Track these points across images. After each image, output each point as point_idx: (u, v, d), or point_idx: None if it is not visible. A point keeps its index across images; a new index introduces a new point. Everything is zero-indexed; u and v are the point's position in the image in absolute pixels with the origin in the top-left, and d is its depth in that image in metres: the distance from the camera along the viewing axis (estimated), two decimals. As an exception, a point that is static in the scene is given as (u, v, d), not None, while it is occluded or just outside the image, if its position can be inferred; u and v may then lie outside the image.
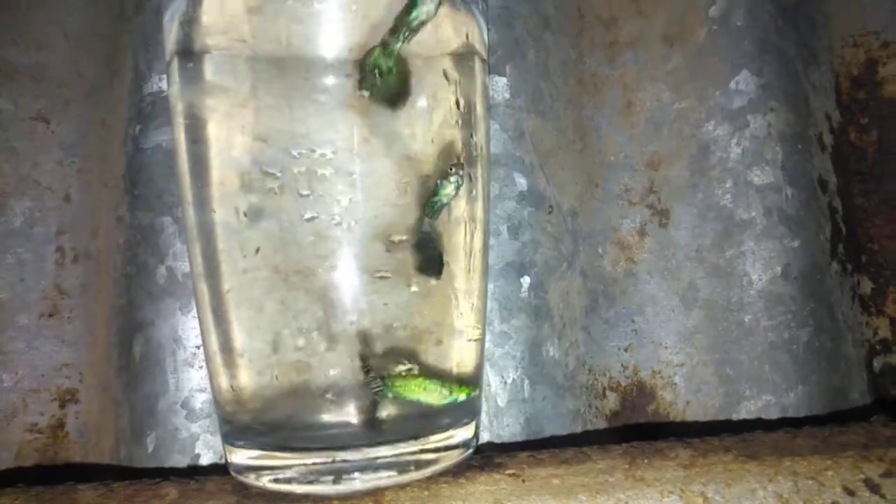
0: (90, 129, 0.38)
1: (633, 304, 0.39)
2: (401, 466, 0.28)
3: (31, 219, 0.37)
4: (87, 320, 0.37)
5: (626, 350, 0.39)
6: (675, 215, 0.39)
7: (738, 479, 0.28)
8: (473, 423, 0.30)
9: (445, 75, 0.29)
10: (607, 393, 0.38)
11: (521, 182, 0.36)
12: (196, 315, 0.34)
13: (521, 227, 0.36)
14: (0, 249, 0.37)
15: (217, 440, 0.33)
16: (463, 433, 0.29)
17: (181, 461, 0.33)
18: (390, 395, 0.27)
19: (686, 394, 0.38)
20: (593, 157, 0.40)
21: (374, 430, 0.28)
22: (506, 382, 0.35)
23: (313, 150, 0.28)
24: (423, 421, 0.29)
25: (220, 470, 0.30)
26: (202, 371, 0.34)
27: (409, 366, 0.28)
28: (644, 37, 0.41)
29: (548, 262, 0.36)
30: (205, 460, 0.33)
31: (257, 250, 0.29)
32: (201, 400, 0.34)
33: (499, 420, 0.34)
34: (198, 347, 0.34)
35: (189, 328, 0.34)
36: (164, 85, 0.35)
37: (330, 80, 0.28)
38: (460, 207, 0.30)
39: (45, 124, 0.38)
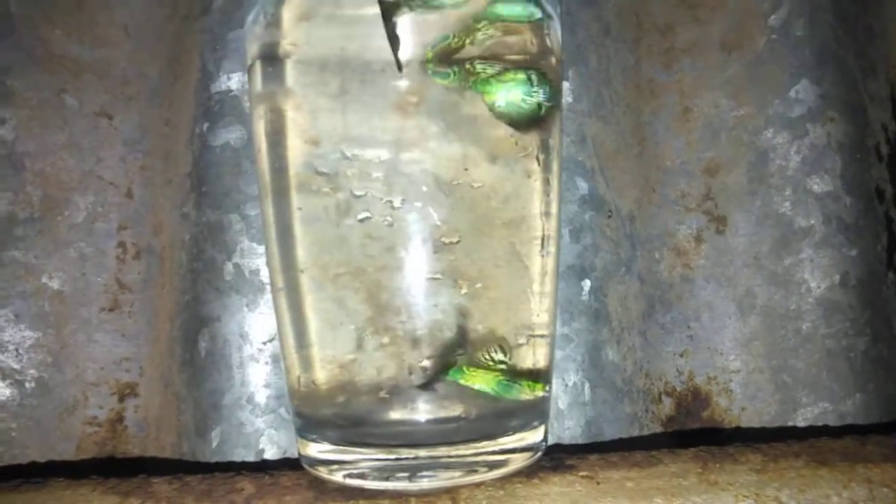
0: (153, 127, 0.39)
1: (689, 310, 0.39)
2: (474, 466, 0.28)
3: (94, 214, 0.38)
4: (147, 315, 0.38)
5: (681, 356, 0.39)
6: (732, 222, 0.39)
7: (811, 485, 0.28)
8: (543, 426, 0.30)
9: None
10: (663, 398, 0.38)
11: (583, 186, 0.36)
12: (262, 312, 0.35)
13: (582, 230, 0.36)
14: (62, 244, 0.37)
15: (282, 435, 0.34)
16: (533, 435, 0.29)
17: (246, 456, 0.33)
18: (463, 381, 0.28)
19: (742, 400, 0.38)
20: (650, 163, 0.40)
21: (446, 424, 0.28)
22: (567, 385, 0.35)
23: (366, 152, 0.28)
24: (495, 422, 0.29)
25: (290, 464, 0.30)
26: (268, 367, 0.34)
27: (500, 356, 0.28)
28: (701, 44, 0.41)
29: (607, 267, 0.37)
30: (269, 455, 0.33)
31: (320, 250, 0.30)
32: (266, 395, 0.34)
33: (560, 422, 0.35)
34: (264, 343, 0.34)
35: (255, 324, 0.34)
36: (231, 84, 0.35)
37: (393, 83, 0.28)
38: (535, 201, 0.30)
39: (108, 120, 0.39)
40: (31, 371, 0.36)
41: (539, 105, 0.30)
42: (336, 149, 0.29)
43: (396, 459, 0.27)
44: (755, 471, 0.28)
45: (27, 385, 0.36)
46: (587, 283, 0.36)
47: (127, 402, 0.37)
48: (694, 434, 0.38)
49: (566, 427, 0.34)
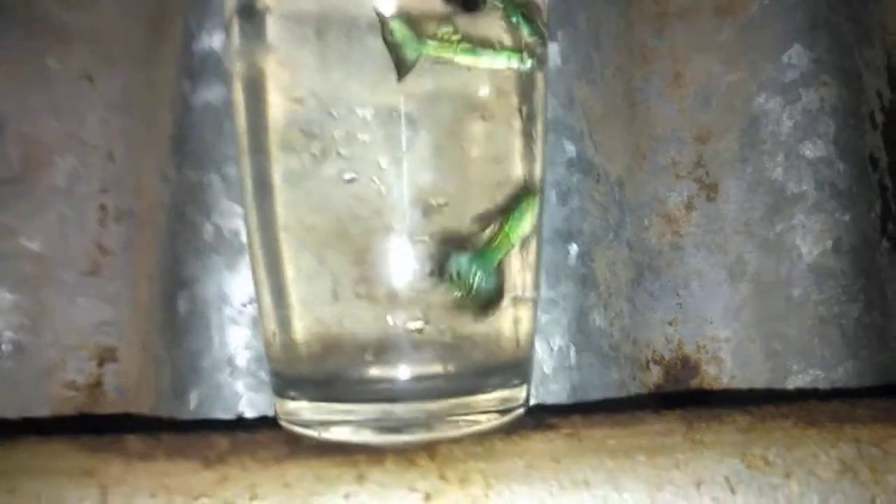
0: (135, 89, 0.38)
1: (678, 278, 0.39)
2: (453, 422, 0.27)
3: (75, 176, 0.37)
4: (128, 279, 0.37)
5: (670, 324, 0.39)
6: (723, 189, 0.39)
7: (799, 444, 0.27)
8: (525, 385, 0.30)
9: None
10: (651, 366, 0.38)
11: (570, 149, 0.36)
12: (242, 273, 0.34)
13: (569, 193, 0.35)
14: (42, 206, 0.37)
15: (261, 398, 0.33)
16: (515, 393, 0.29)
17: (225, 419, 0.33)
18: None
19: (732, 368, 0.38)
20: (641, 129, 0.39)
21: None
22: (552, 349, 0.34)
23: (352, 112, 0.28)
24: (475, 379, 0.28)
25: (267, 423, 0.30)
26: (248, 329, 0.33)
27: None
28: (694, 9, 0.40)
29: (595, 232, 0.36)
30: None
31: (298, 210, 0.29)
32: (246, 358, 0.33)
33: (545, 387, 0.34)
34: (244, 305, 0.34)
35: (235, 286, 0.34)
36: (214, 43, 0.35)
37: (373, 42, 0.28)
38: (522, 163, 0.29)
39: (90, 82, 0.38)
40: (9, 333, 0.35)
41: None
42: (321, 108, 0.28)
43: (374, 415, 0.27)
44: (741, 431, 0.28)
45: (4, 347, 0.35)
46: (574, 248, 0.35)
47: (106, 367, 0.37)
48: (681, 397, 0.37)
49: (551, 391, 0.34)
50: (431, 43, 0.27)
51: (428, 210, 0.28)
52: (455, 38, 0.28)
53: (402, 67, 0.27)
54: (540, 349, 0.34)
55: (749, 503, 0.26)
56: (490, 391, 0.28)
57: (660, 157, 0.39)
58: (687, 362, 0.38)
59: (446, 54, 0.28)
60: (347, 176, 0.28)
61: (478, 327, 0.29)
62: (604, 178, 0.37)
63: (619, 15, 0.40)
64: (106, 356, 0.37)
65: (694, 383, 0.38)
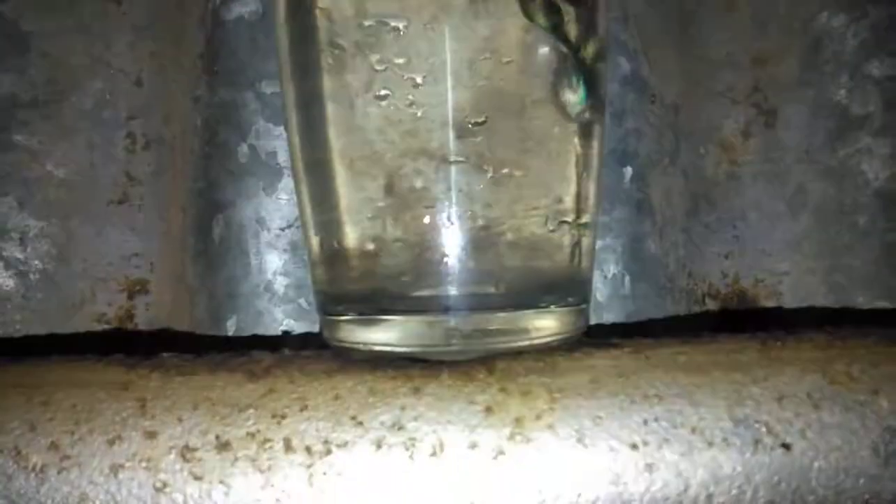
0: (164, 11, 0.36)
1: (735, 209, 0.37)
2: (511, 334, 0.25)
3: (102, 102, 0.36)
4: (158, 209, 0.36)
5: (726, 257, 0.37)
6: (782, 114, 0.37)
7: (885, 361, 0.25)
8: (584, 305, 0.28)
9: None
10: (707, 300, 0.36)
11: (625, 66, 0.34)
12: (279, 197, 0.32)
13: (624, 113, 0.33)
14: (69, 131, 0.35)
15: (303, 325, 0.31)
16: (574, 311, 0.27)
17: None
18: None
19: (791, 303, 0.36)
20: (695, 53, 0.37)
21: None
22: (606, 277, 0.33)
23: (385, 23, 0.26)
24: (532, 295, 0.27)
25: (313, 342, 0.28)
26: (286, 254, 0.32)
27: None
28: (750, -74, 0.38)
29: (650, 155, 0.34)
30: (289, 349, 0.31)
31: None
32: (284, 284, 0.32)
33: (598, 315, 0.32)
34: (281, 230, 0.32)
35: (272, 209, 0.32)
36: (246, -46, 0.33)
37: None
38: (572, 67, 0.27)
39: (116, 5, 0.36)
40: (36, 262, 0.34)
41: None
42: (353, 18, 0.27)
43: (426, 327, 0.25)
44: (820, 348, 0.26)
45: (31, 276, 0.34)
46: (629, 171, 0.33)
47: (137, 300, 0.35)
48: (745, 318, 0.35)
49: (605, 320, 0.32)
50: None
51: (465, 130, 0.26)
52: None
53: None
54: (594, 276, 0.32)
55: (834, 420, 0.24)
56: (546, 308, 0.27)
57: (715, 82, 0.37)
58: (744, 297, 0.36)
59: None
60: (382, 93, 0.26)
61: (532, 244, 0.27)
62: (658, 100, 0.35)
63: (673, -71, 0.37)
64: (136, 288, 0.35)
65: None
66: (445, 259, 0.26)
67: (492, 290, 0.26)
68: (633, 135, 0.34)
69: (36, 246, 0.34)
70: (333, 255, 0.27)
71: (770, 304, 0.36)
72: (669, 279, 0.34)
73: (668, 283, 0.34)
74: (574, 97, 0.27)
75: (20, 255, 0.34)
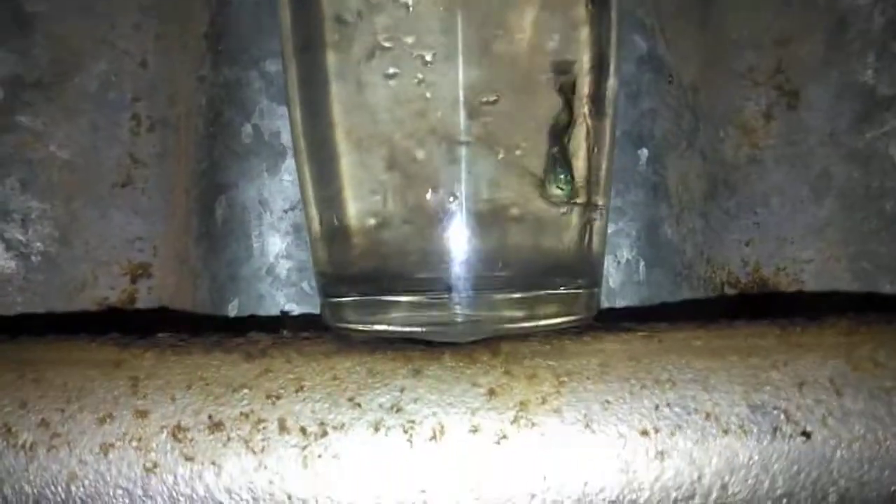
0: (170, -10, 0.36)
1: (756, 194, 0.35)
2: (517, 316, 0.24)
3: (107, 83, 0.35)
4: (163, 192, 0.35)
5: (747, 244, 0.35)
6: (806, 96, 0.35)
7: (913, 347, 0.24)
8: (595, 288, 0.27)
9: None
10: (726, 288, 0.35)
11: (641, 45, 0.32)
12: (283, 178, 0.32)
13: (639, 94, 0.32)
14: (73, 112, 0.34)
15: (304, 309, 0.31)
16: (584, 293, 0.26)
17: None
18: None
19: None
20: (715, 32, 0.36)
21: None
22: (619, 262, 0.31)
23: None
24: (540, 277, 0.26)
25: (312, 324, 0.27)
26: (289, 237, 0.31)
27: None
28: None
29: (667, 137, 0.33)
30: (290, 331, 0.30)
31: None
32: (287, 267, 0.31)
33: (611, 302, 0.31)
34: (285, 211, 0.31)
35: (276, 191, 0.31)
36: (251, -69, 0.32)
37: None
38: (587, 55, 0.26)
39: (122, -16, 0.36)
40: (38, 244, 0.33)
41: None
42: None
43: (430, 308, 0.24)
44: (843, 333, 0.25)
45: (33, 258, 0.33)
46: (644, 153, 0.32)
47: (140, 283, 0.34)
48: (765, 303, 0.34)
49: (618, 306, 0.31)
50: None
51: (475, 109, 0.25)
52: None
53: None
54: (607, 261, 0.31)
55: (858, 407, 0.22)
56: (556, 288, 0.25)
57: (736, 62, 0.36)
58: (765, 286, 0.35)
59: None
60: (391, 70, 0.25)
61: (540, 225, 0.26)
62: (676, 80, 0.33)
63: None
64: (139, 272, 0.35)
65: (772, 308, 0.35)
66: (451, 239, 0.25)
67: (499, 271, 0.25)
68: (649, 116, 0.32)
69: (38, 228, 0.33)
70: (335, 234, 0.26)
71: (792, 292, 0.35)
72: (686, 266, 0.33)
73: (684, 270, 0.32)
74: (560, 191, 0.26)
75: (22, 237, 0.33)
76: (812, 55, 0.35)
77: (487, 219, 0.25)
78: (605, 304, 0.31)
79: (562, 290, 0.26)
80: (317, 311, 0.30)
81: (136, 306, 0.34)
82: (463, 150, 0.25)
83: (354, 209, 0.26)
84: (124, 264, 0.34)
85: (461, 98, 0.25)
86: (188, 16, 0.35)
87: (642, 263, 0.31)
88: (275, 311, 0.31)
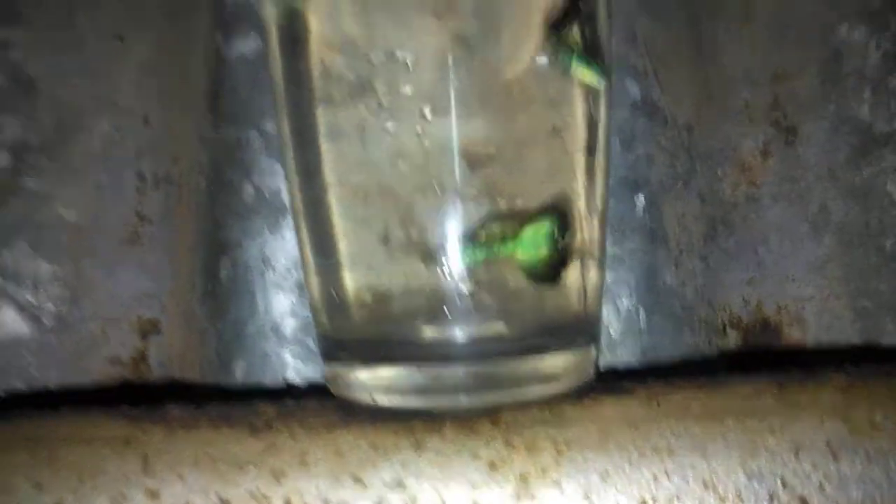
0: (169, 47, 0.36)
1: (755, 232, 0.35)
2: (516, 385, 0.25)
3: (110, 141, 0.36)
4: (168, 248, 0.35)
5: (748, 283, 0.35)
6: (803, 132, 0.35)
7: (911, 405, 0.24)
8: (594, 346, 0.27)
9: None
10: (728, 329, 0.35)
11: (634, 90, 0.33)
12: (284, 236, 0.32)
13: (634, 139, 0.33)
14: (78, 173, 0.35)
15: (309, 368, 0.31)
16: (583, 355, 0.26)
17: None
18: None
19: (816, 331, 0.35)
20: (709, 69, 0.36)
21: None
22: (619, 311, 0.32)
23: (392, 55, 0.25)
24: (541, 339, 0.26)
25: (316, 392, 0.28)
26: (293, 294, 0.32)
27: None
28: (763, -66, 0.37)
29: (662, 180, 0.33)
30: (296, 388, 0.31)
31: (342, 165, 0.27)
32: (292, 325, 0.31)
33: (612, 352, 0.31)
34: (288, 270, 0.32)
35: (278, 249, 0.32)
36: (247, -9, 0.33)
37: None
38: (580, 107, 0.27)
39: (121, 42, 0.36)
40: (49, 306, 0.34)
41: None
42: (361, 54, 0.26)
43: (430, 378, 0.25)
44: (841, 391, 0.25)
45: (45, 321, 0.34)
46: (640, 198, 0.32)
47: (149, 340, 0.35)
48: (762, 359, 0.34)
49: (619, 356, 0.31)
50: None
51: (475, 162, 0.25)
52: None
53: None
54: (606, 311, 0.32)
55: (856, 471, 0.23)
56: (554, 352, 0.26)
57: (731, 99, 0.36)
58: (767, 325, 0.35)
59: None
60: (390, 127, 0.26)
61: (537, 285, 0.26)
62: (671, 122, 0.34)
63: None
64: (149, 329, 0.35)
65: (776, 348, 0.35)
66: (450, 303, 0.25)
67: (499, 330, 0.25)
68: (644, 160, 0.33)
69: (49, 289, 0.34)
70: (333, 302, 0.27)
71: (794, 331, 0.35)
72: (687, 309, 0.33)
73: (685, 315, 0.33)
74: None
75: (33, 300, 0.34)
76: (808, 90, 0.35)
77: (486, 280, 0.26)
78: (606, 354, 0.31)
79: (562, 353, 0.26)
80: (320, 367, 0.31)
81: (147, 363, 0.35)
82: (461, 203, 0.26)
83: (353, 271, 0.27)
84: (133, 321, 0.35)
85: (459, 151, 0.26)
86: (188, 73, 0.35)
87: (642, 311, 0.32)
88: (281, 370, 0.31)
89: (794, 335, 0.35)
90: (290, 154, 0.28)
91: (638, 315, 0.32)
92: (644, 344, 0.32)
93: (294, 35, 0.28)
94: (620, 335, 0.32)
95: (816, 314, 0.35)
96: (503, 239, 0.26)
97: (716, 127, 0.36)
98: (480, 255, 0.25)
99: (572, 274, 0.27)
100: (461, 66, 0.25)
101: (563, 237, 0.26)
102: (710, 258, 0.35)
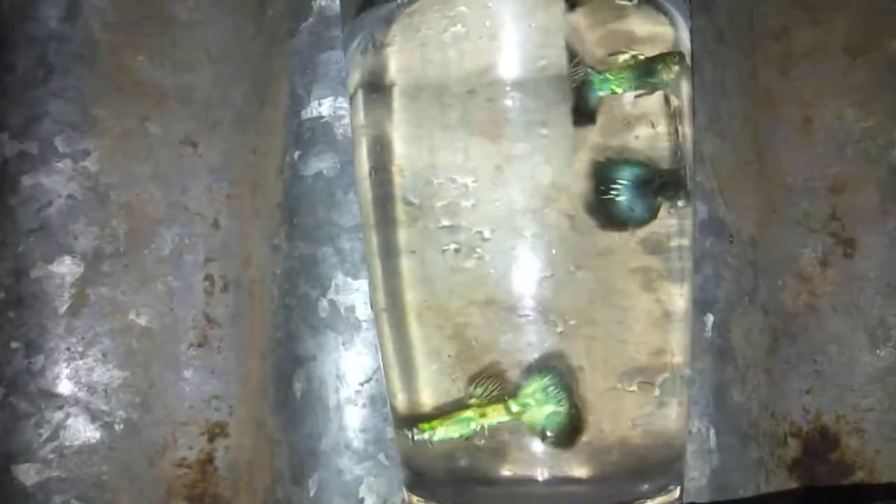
0: (239, 155, 0.37)
1: (815, 342, 0.36)
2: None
3: (180, 246, 0.36)
4: (237, 351, 0.36)
5: (807, 392, 0.36)
6: (861, 244, 0.36)
7: None
8: (678, 488, 0.27)
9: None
10: (788, 439, 0.35)
11: (702, 209, 0.33)
12: (358, 351, 0.33)
13: (702, 259, 0.33)
14: (149, 278, 0.36)
15: (381, 483, 0.32)
16: (669, 499, 0.27)
17: (345, 506, 0.31)
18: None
19: (875, 441, 0.35)
20: (771, 180, 0.37)
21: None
22: (690, 432, 0.32)
23: (454, 180, 0.26)
24: (626, 485, 0.26)
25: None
26: (365, 410, 0.32)
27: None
28: (821, 48, 0.37)
29: (730, 298, 0.34)
30: (370, 505, 0.31)
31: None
32: (364, 440, 0.32)
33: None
34: (360, 384, 0.32)
35: (352, 364, 0.32)
36: (323, 110, 0.34)
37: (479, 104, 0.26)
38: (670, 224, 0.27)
39: (192, 148, 0.37)
40: (120, 412, 0.34)
41: None
42: (423, 177, 0.27)
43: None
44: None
45: (116, 427, 0.34)
46: (710, 318, 0.33)
47: (217, 443, 0.36)
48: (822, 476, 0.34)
49: (690, 478, 0.32)
50: (611, 77, 0.26)
51: (532, 284, 0.26)
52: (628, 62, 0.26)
53: (583, 110, 0.26)
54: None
55: None
56: (644, 499, 0.26)
57: (792, 209, 0.37)
58: (826, 434, 0.36)
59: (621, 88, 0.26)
60: (452, 246, 0.26)
61: (619, 424, 0.27)
62: (736, 237, 0.34)
63: (744, 58, 0.37)
64: (216, 431, 0.36)
65: (834, 457, 0.35)
66: (532, 444, 0.25)
67: (583, 479, 0.26)
68: (712, 280, 0.33)
69: (120, 396, 0.35)
70: (412, 434, 0.27)
71: (852, 441, 0.35)
72: (753, 424, 0.33)
73: (751, 430, 0.33)
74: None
75: (105, 407, 0.34)
76: (867, 203, 0.36)
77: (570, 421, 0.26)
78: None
79: (652, 501, 0.26)
80: (394, 482, 0.31)
81: (213, 465, 0.35)
82: (522, 326, 0.26)
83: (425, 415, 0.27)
84: (202, 424, 0.36)
85: (517, 272, 0.26)
86: (259, 181, 0.36)
87: (713, 431, 0.32)
88: (353, 485, 0.31)
89: (852, 445, 0.35)
90: (372, 273, 0.29)
91: (708, 435, 0.32)
92: (713, 463, 0.32)
93: (369, 159, 0.29)
94: (691, 456, 0.32)
95: (876, 425, 0.35)
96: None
97: (777, 237, 0.36)
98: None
99: (647, 396, 0.27)
100: (516, 186, 0.26)
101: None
102: (772, 370, 0.35)
